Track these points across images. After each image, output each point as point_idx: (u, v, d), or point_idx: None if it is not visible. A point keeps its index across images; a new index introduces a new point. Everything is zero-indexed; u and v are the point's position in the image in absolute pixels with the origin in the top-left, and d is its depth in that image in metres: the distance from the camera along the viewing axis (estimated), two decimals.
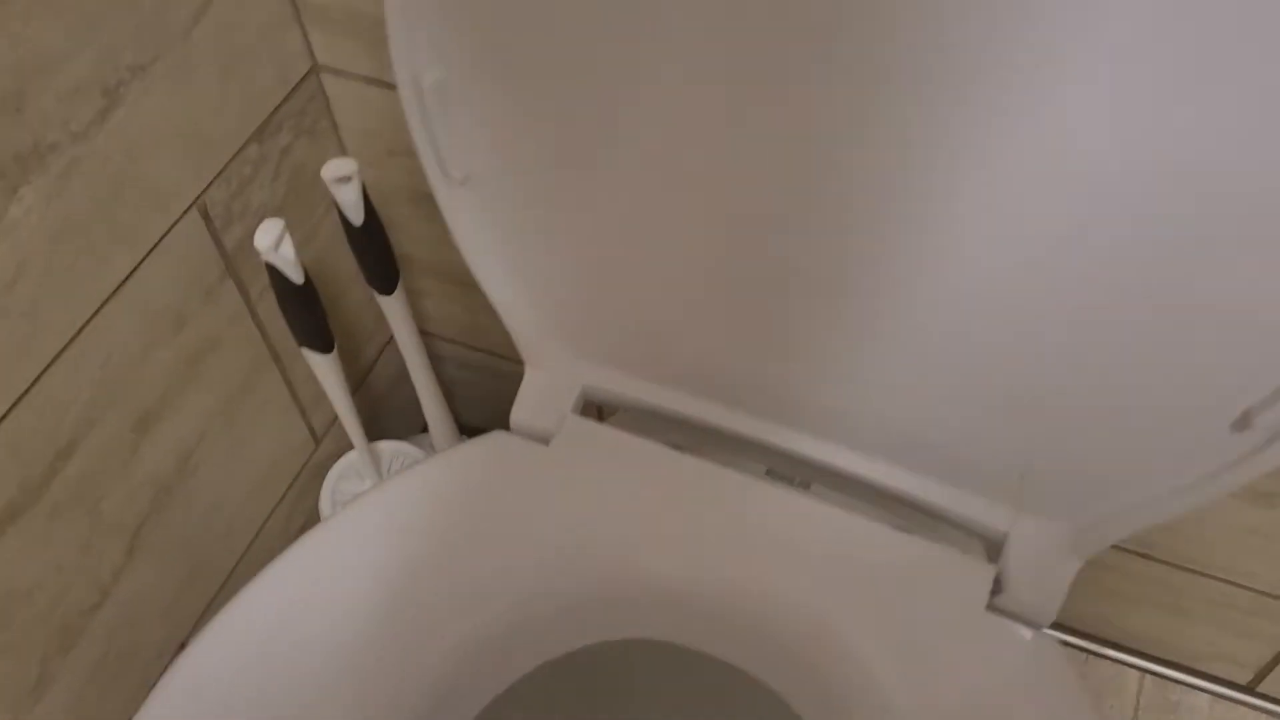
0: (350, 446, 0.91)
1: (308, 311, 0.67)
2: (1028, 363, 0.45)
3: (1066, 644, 0.92)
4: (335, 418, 0.90)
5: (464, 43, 0.46)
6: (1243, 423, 0.42)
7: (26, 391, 0.59)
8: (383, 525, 0.51)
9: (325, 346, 0.70)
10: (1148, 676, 0.91)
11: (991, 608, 0.49)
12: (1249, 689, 0.89)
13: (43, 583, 0.64)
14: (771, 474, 0.59)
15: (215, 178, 0.68)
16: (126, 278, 0.63)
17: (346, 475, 0.88)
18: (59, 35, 0.54)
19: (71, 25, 0.54)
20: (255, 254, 0.72)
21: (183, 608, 0.78)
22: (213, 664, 0.49)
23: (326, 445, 0.90)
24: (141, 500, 0.70)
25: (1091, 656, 0.92)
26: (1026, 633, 0.49)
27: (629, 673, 0.58)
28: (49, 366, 0.60)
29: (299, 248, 0.72)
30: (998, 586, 0.50)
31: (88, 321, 0.61)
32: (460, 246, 0.53)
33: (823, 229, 0.43)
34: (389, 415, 0.98)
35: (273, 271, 0.63)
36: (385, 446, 0.89)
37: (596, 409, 0.63)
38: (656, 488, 0.52)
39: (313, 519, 0.91)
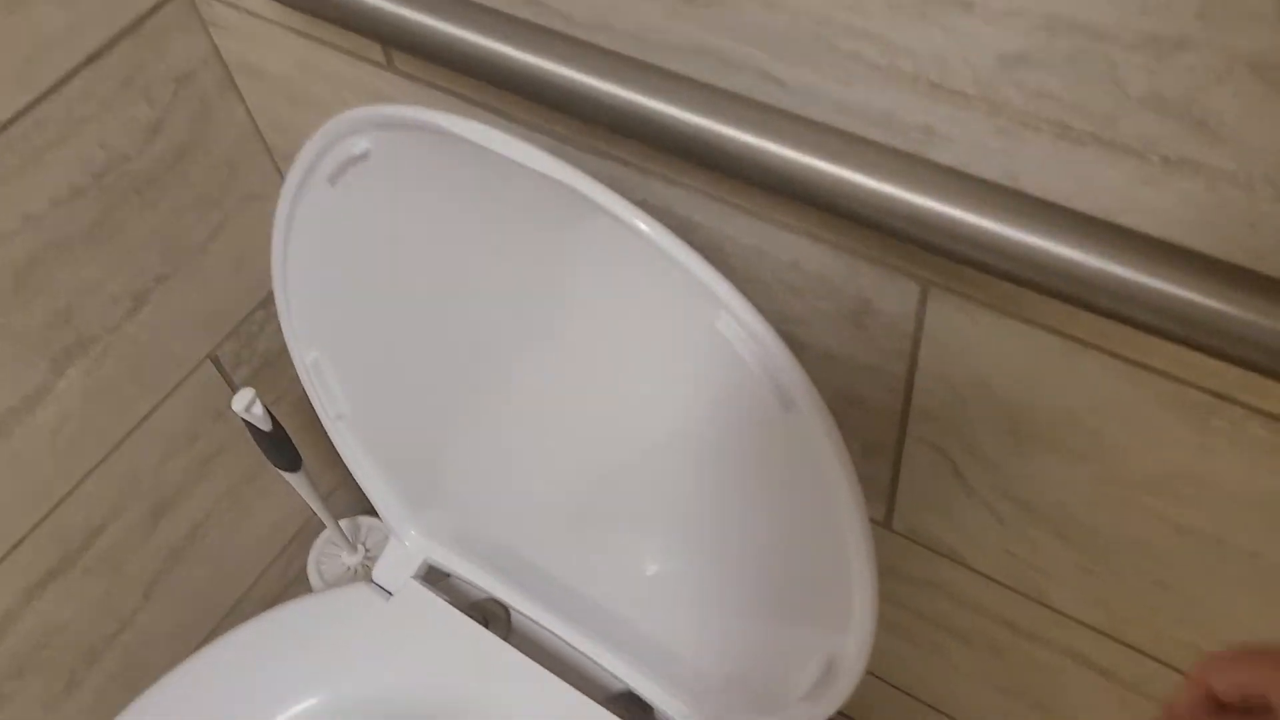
0: (342, 511, 1.16)
1: (277, 448, 0.90)
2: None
3: None
4: (333, 488, 1.15)
5: (325, 337, 0.68)
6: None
7: (67, 495, 0.84)
8: (253, 651, 0.75)
9: (293, 467, 0.94)
10: None
11: None
12: None
13: (75, 620, 0.91)
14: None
15: (226, 337, 0.92)
16: (148, 414, 0.88)
17: (327, 544, 1.12)
18: (100, 268, 0.78)
19: (110, 256, 0.79)
20: (263, 382, 0.96)
21: (190, 633, 1.04)
22: None
23: (331, 506, 1.15)
24: (156, 561, 0.96)
25: None
26: None
27: None
28: (84, 479, 0.85)
29: (291, 385, 0.97)
30: None
31: (116, 446, 0.87)
32: (344, 459, 0.76)
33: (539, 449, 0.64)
34: None
35: (247, 424, 0.87)
36: (364, 521, 1.13)
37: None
38: (451, 650, 0.74)
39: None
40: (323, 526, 1.15)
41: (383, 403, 0.71)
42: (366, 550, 1.13)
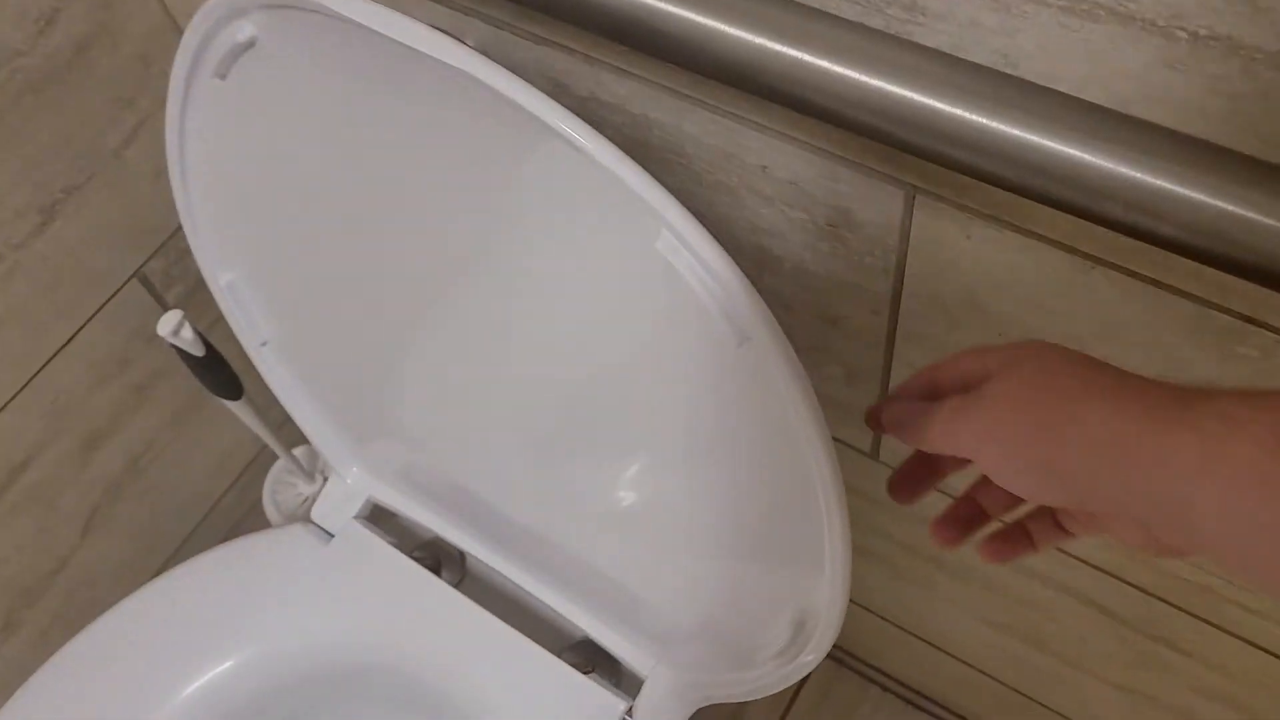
0: (299, 438, 1.09)
1: (213, 373, 0.83)
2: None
3: (887, 689, 1.04)
4: (285, 418, 1.08)
5: (240, 257, 0.60)
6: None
7: None
8: (167, 600, 0.69)
9: (233, 394, 0.87)
10: None
11: None
12: None
13: (6, 558, 0.85)
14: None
15: (153, 254, 0.85)
16: (70, 339, 0.81)
17: (283, 472, 1.06)
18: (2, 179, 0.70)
19: (8, 167, 0.71)
20: (199, 303, 0.89)
21: (136, 569, 0.99)
22: None
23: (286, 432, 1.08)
24: (93, 495, 0.90)
25: (909, 706, 1.04)
26: None
27: None
28: (1, 409, 0.78)
29: None
30: (630, 716, 0.64)
31: (36, 374, 0.80)
32: (272, 389, 0.68)
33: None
34: None
35: (177, 350, 0.80)
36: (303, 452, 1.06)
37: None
38: (395, 596, 0.68)
39: None
40: (277, 454, 1.09)
41: (312, 327, 0.64)
42: (325, 480, 1.06)
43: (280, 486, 1.05)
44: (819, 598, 0.48)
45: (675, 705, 0.63)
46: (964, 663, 0.90)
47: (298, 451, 1.04)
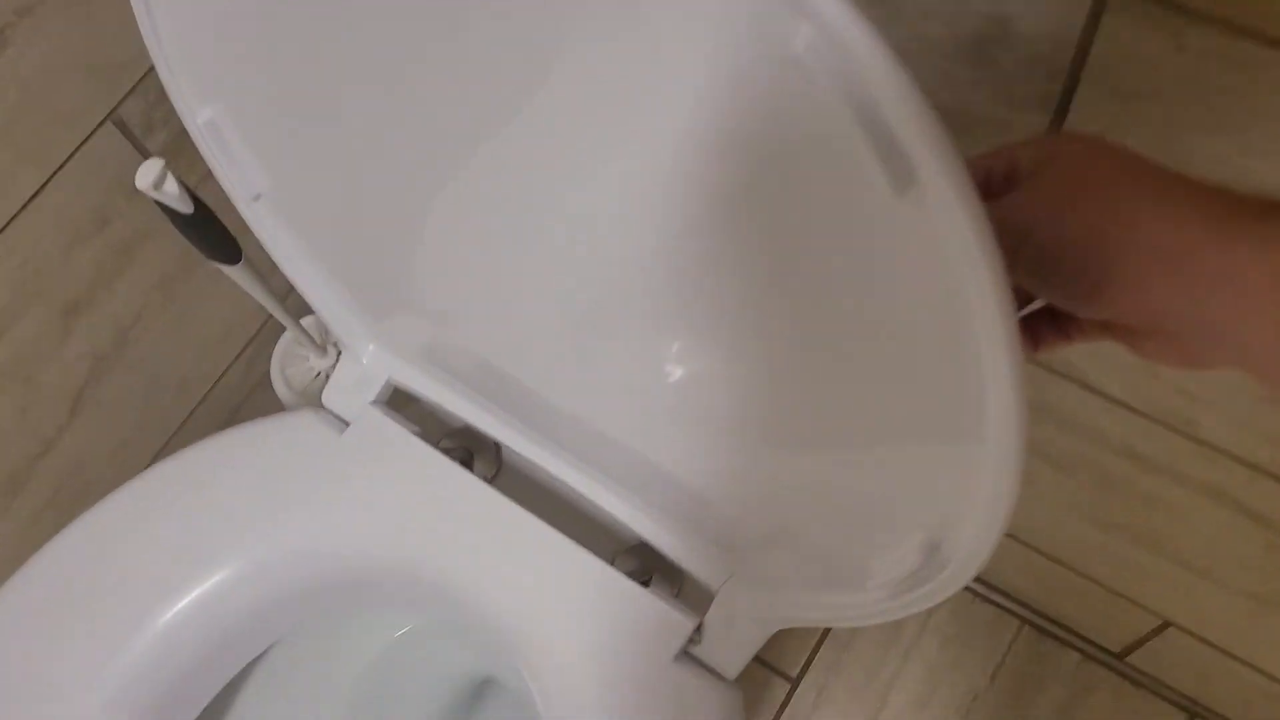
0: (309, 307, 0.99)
1: (204, 233, 0.72)
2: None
3: None
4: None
5: (223, 88, 0.48)
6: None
7: None
8: (164, 495, 0.59)
9: (231, 258, 0.75)
10: (1026, 628, 0.94)
11: (686, 653, 0.54)
12: (1118, 657, 0.92)
13: None
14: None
15: (129, 93, 0.72)
16: (36, 193, 0.69)
17: (294, 344, 0.95)
18: None
19: None
20: (187, 152, 0.77)
21: (133, 453, 0.89)
22: None
23: (291, 303, 0.98)
24: (79, 371, 0.80)
25: (975, 597, 0.95)
26: (712, 680, 0.54)
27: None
28: None
29: None
30: (698, 636, 0.55)
31: None
32: (271, 254, 0.57)
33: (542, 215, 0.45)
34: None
35: (161, 206, 0.68)
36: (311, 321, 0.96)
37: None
38: (420, 492, 0.58)
39: None
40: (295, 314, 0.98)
41: (314, 177, 0.53)
42: (339, 352, 0.96)
43: (290, 360, 0.95)
44: (968, 516, 0.37)
45: (751, 626, 0.53)
46: (1059, 562, 0.81)
47: (307, 321, 0.94)
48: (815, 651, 0.95)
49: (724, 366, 0.46)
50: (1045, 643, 0.93)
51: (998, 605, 0.95)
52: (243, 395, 0.97)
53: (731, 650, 0.54)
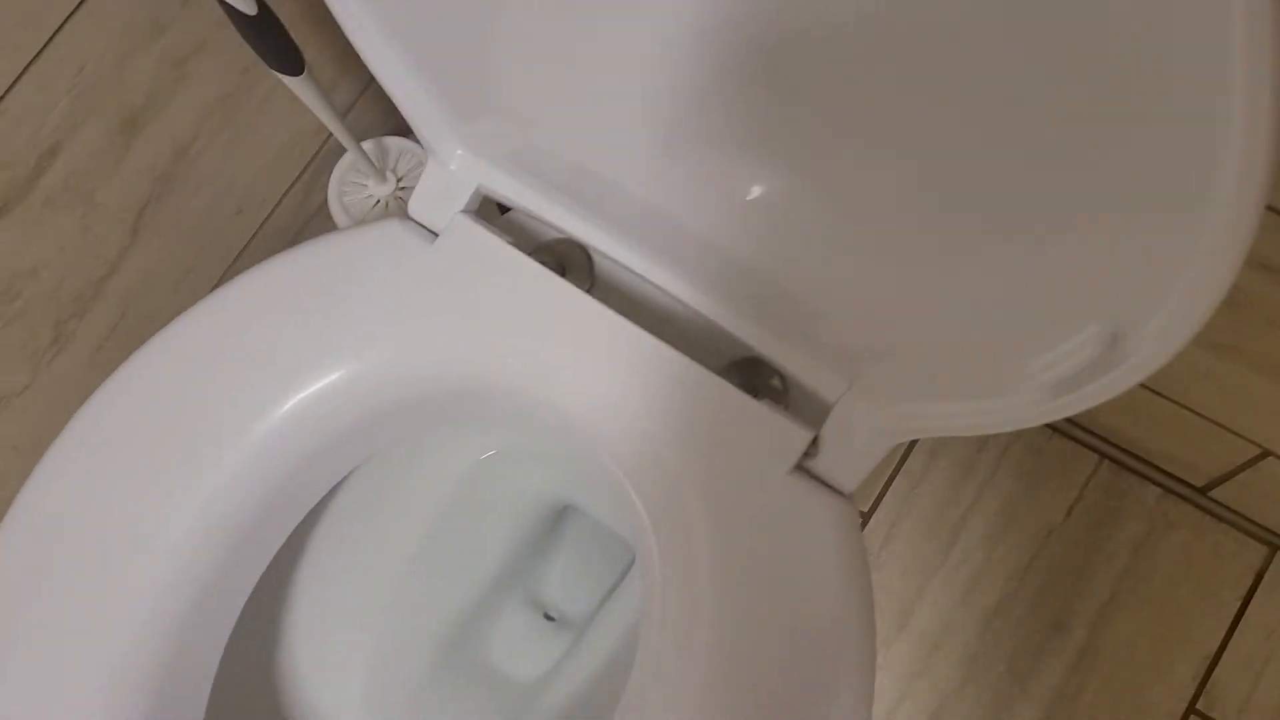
0: (364, 133, 0.95)
1: (268, 39, 0.68)
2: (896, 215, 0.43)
3: None
4: (354, 102, 0.93)
5: None
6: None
7: None
8: (253, 305, 0.56)
9: (295, 69, 0.71)
10: (1104, 464, 0.92)
11: (801, 468, 0.52)
12: (1200, 491, 0.90)
13: (47, 261, 0.73)
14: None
15: None
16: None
17: (351, 170, 0.92)
18: None
19: None
20: None
21: (196, 277, 0.87)
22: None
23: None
24: (139, 189, 0.77)
25: (1052, 433, 0.93)
26: (829, 496, 0.52)
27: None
28: (16, 82, 0.64)
29: None
30: (814, 449, 0.52)
31: (49, 40, 0.64)
32: (352, 42, 0.53)
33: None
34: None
35: (224, 6, 0.64)
36: (392, 142, 0.92)
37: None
38: (517, 303, 0.55)
39: None
40: (342, 150, 0.95)
41: None
42: (399, 179, 0.92)
43: (348, 187, 0.92)
44: (1163, 301, 0.34)
45: (873, 439, 0.51)
46: (1155, 391, 0.78)
47: (367, 145, 0.90)
48: (887, 486, 0.94)
49: (840, 165, 0.43)
50: (1124, 478, 0.92)
51: (1076, 440, 0.93)
52: (300, 222, 0.94)
53: (850, 464, 0.52)
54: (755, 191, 0.49)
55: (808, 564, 0.51)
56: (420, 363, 0.55)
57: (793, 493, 0.52)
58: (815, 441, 0.52)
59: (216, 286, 0.89)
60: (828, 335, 0.52)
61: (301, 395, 0.54)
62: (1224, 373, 0.70)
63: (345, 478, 0.63)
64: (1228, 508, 0.89)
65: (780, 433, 0.52)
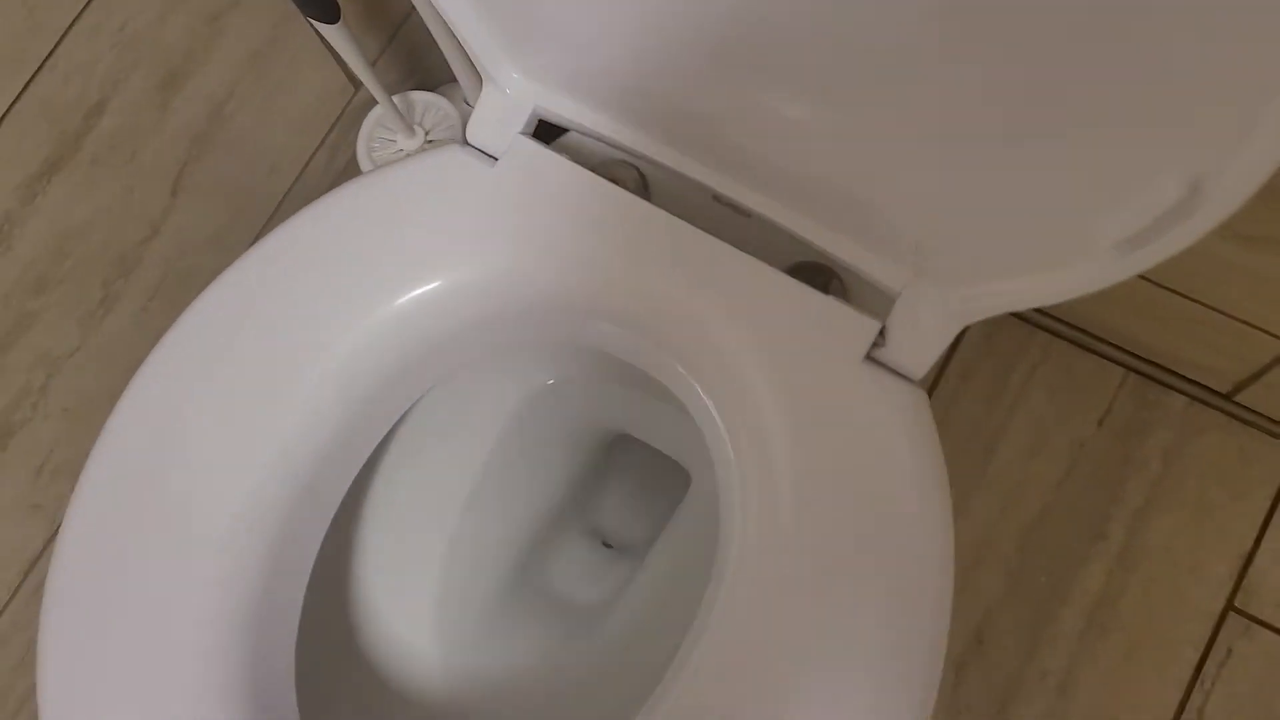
0: (399, 81, 0.96)
1: None
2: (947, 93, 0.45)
3: (1054, 332, 0.96)
4: (377, 59, 0.94)
5: None
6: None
7: (46, 59, 0.65)
8: (328, 233, 0.58)
9: (330, 17, 0.73)
10: (1130, 376, 0.94)
11: (871, 359, 0.54)
12: (1226, 397, 0.92)
13: (94, 222, 0.74)
14: (714, 200, 0.61)
15: None
16: None
17: (379, 126, 0.93)
18: None
19: None
20: None
21: (233, 236, 0.88)
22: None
23: (366, 90, 0.95)
24: (178, 149, 0.78)
25: (1078, 349, 0.95)
26: (901, 383, 0.54)
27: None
28: (62, 38, 0.65)
29: None
30: (881, 340, 0.54)
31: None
32: None
33: None
34: (429, 64, 1.01)
35: None
36: (418, 97, 0.93)
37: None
38: (582, 215, 0.56)
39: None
40: (366, 109, 0.96)
41: None
42: (426, 133, 0.94)
43: (376, 143, 0.93)
44: (1241, 147, 0.35)
45: (940, 323, 0.53)
46: (1179, 293, 0.80)
47: (397, 98, 0.91)
48: None
49: (887, 81, 0.44)
50: (1151, 388, 0.94)
51: (1101, 355, 0.95)
52: (330, 180, 0.95)
53: (919, 350, 0.53)
54: (807, 102, 0.50)
55: (884, 452, 0.53)
56: (502, 278, 0.56)
57: (865, 382, 0.53)
58: (882, 333, 0.54)
59: (251, 244, 0.90)
60: (887, 226, 0.53)
61: (378, 315, 0.56)
62: (1255, 265, 0.72)
63: (411, 410, 0.64)
64: (1253, 410, 0.91)
65: (848, 324, 0.54)
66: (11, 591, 0.85)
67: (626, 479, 0.80)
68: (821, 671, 0.51)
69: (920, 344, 0.53)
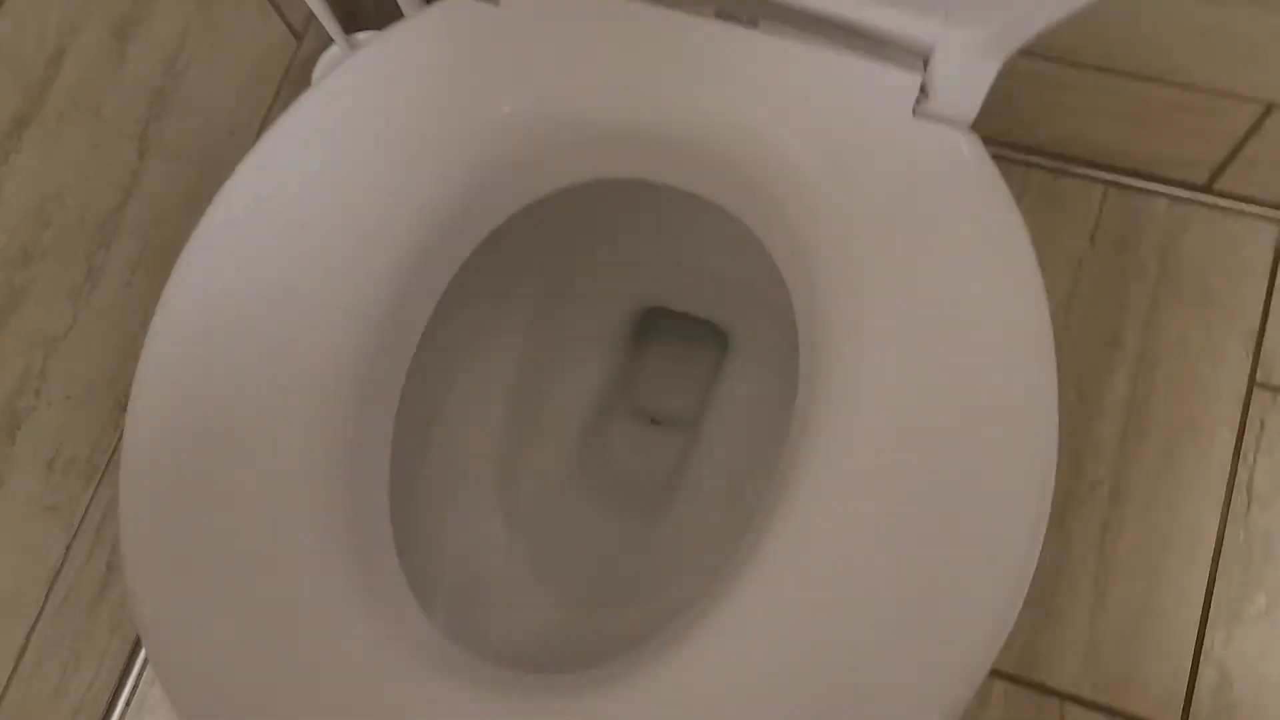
0: (332, 41, 0.94)
1: None
2: None
3: (1030, 164, 0.97)
4: (311, 13, 0.92)
5: None
6: None
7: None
8: (356, 96, 0.56)
9: None
10: (1110, 189, 0.96)
11: (919, 114, 0.54)
12: (1205, 189, 0.95)
13: (69, 185, 0.71)
14: (719, 14, 0.61)
15: None
16: None
17: (329, 69, 0.91)
18: None
19: None
20: None
21: (202, 203, 0.85)
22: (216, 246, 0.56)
23: (309, 42, 0.93)
24: (139, 104, 0.75)
25: (1056, 175, 0.97)
26: (952, 131, 0.54)
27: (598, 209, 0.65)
28: None
29: None
30: (924, 95, 0.54)
31: None
32: None
33: None
34: (368, 4, 0.99)
35: None
36: (365, 38, 0.91)
37: None
38: (602, 34, 0.55)
39: None
40: (311, 63, 0.94)
41: None
42: None
43: None
44: None
45: (980, 63, 0.53)
46: (1148, 78, 0.82)
47: (338, 50, 0.90)
48: None
49: None
50: (1133, 196, 0.96)
51: (1079, 176, 0.97)
52: None
53: (965, 94, 0.53)
54: None
55: (945, 198, 0.53)
56: (542, 114, 0.55)
57: (919, 134, 0.53)
58: (923, 89, 0.54)
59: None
60: None
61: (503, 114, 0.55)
62: (1224, 21, 0.74)
63: (452, 308, 0.62)
64: (1232, 195, 0.94)
65: (888, 80, 0.54)
66: (38, 608, 0.80)
67: (660, 354, 0.79)
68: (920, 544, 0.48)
69: (965, 88, 0.54)
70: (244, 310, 0.54)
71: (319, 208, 0.55)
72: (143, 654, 0.93)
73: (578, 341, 0.73)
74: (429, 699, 0.47)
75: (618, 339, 0.75)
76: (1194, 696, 0.84)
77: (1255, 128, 0.84)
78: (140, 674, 0.93)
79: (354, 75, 0.57)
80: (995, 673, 0.86)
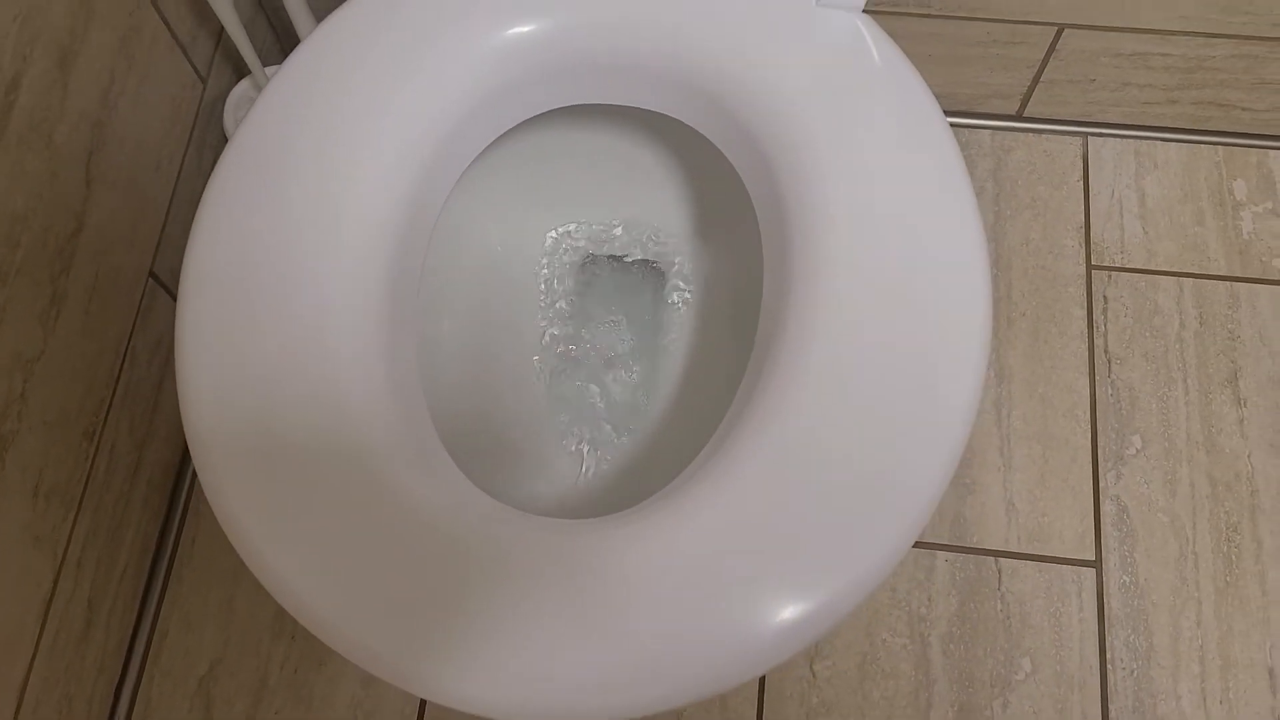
0: (234, 80, 0.99)
1: None
2: None
3: None
4: (214, 55, 0.97)
5: None
6: None
7: None
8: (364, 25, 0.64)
9: None
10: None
11: (820, 3, 0.66)
12: (1018, 116, 1.11)
13: (33, 208, 0.74)
14: None
15: None
16: None
17: (242, 103, 0.96)
18: None
19: None
20: None
21: (143, 236, 0.89)
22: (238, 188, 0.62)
23: (213, 84, 0.98)
24: (83, 134, 0.79)
25: None
26: (850, 15, 0.65)
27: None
28: None
29: None
30: None
31: None
32: None
33: None
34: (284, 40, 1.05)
35: None
36: (274, 71, 0.97)
37: None
38: None
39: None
40: (219, 103, 0.99)
41: None
42: None
43: (244, 112, 0.96)
44: None
45: None
46: (952, 15, 0.98)
47: (247, 83, 0.95)
48: None
49: None
50: (961, 132, 1.12)
51: None
52: (205, 179, 0.97)
53: None
54: None
55: (861, 67, 0.64)
56: (540, 40, 0.65)
57: (824, 18, 0.65)
58: None
59: (157, 249, 0.91)
60: None
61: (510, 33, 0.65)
62: None
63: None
64: (1041, 119, 1.11)
65: None
66: (34, 644, 0.80)
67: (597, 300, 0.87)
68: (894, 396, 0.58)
69: None
70: (292, 167, 0.63)
71: (352, 111, 0.64)
72: (128, 692, 0.92)
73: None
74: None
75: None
76: (1101, 529, 0.97)
77: (1051, 50, 1.01)
78: (129, 716, 0.92)
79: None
80: (935, 545, 0.96)
